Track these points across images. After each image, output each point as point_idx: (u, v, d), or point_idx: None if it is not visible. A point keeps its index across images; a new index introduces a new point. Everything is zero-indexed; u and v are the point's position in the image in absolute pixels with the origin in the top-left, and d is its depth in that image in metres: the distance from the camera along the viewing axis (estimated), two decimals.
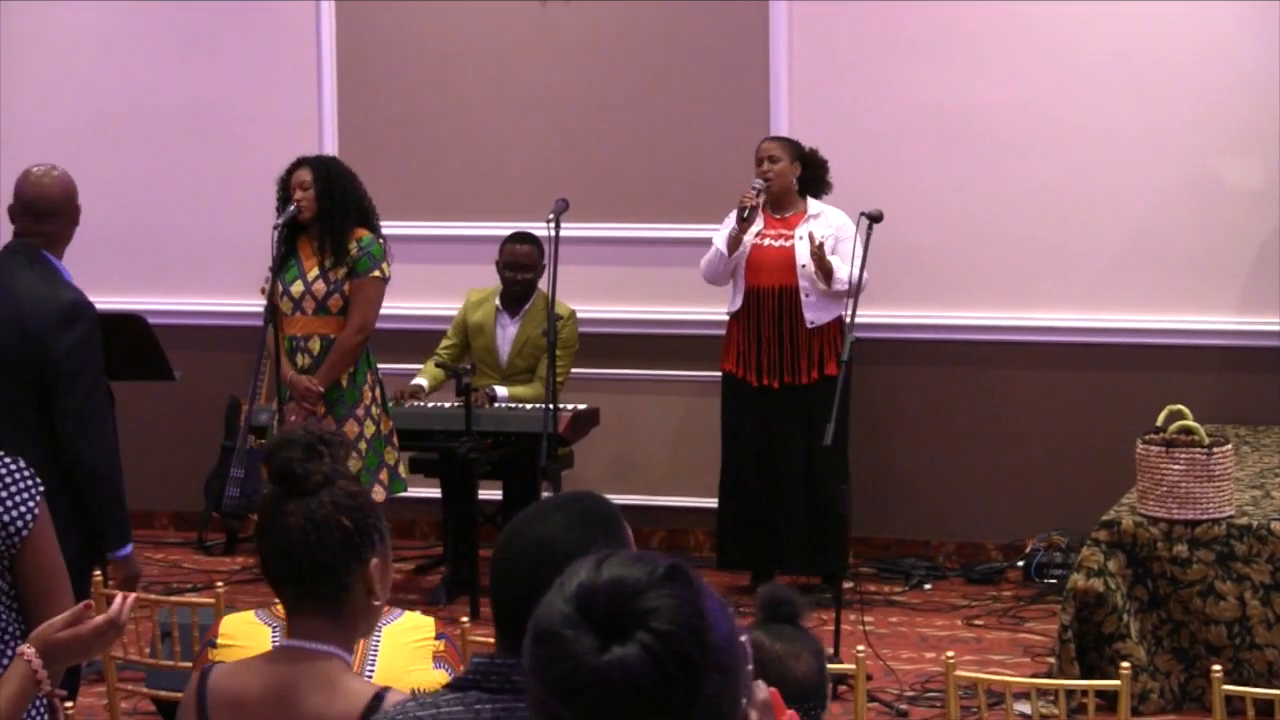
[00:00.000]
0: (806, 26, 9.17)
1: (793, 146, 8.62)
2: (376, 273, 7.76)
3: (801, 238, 8.41)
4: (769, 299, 8.45)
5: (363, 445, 7.74)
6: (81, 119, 9.99)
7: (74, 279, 6.02)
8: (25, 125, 10.01)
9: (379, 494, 7.63)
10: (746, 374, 8.50)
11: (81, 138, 9.86)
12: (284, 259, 7.79)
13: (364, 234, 7.77)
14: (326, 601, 3.14)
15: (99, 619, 3.40)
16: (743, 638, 2.10)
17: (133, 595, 3.45)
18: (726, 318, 8.63)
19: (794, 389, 8.43)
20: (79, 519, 5.79)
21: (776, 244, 8.47)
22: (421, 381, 8.82)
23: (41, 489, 3.90)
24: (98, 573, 5.84)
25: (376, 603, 3.19)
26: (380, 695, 3.09)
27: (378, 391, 7.88)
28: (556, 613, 2.00)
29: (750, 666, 2.09)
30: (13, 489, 3.86)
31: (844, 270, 8.30)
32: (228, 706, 3.16)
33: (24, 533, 3.85)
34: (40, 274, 5.88)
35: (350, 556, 3.14)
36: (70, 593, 3.91)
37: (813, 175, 8.60)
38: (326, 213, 7.70)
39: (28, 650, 3.42)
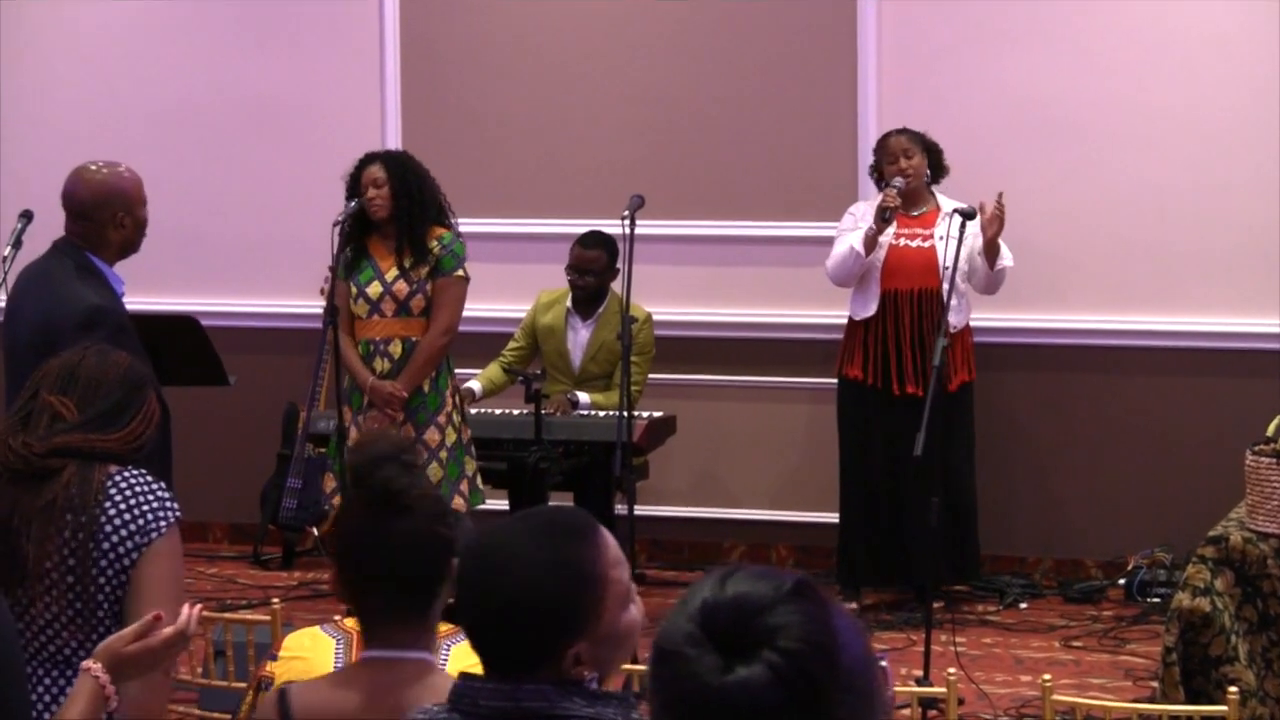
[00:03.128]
0: (896, 16, 9.02)
1: (922, 139, 8.45)
2: (460, 272, 7.63)
3: (941, 237, 8.23)
4: (908, 303, 8.30)
5: (444, 454, 7.58)
6: (138, 114, 9.92)
7: (124, 278, 5.98)
8: (82, 120, 9.93)
9: (459, 505, 7.45)
10: (877, 381, 8.30)
11: (138, 133, 9.78)
12: (355, 259, 7.64)
13: (443, 232, 7.62)
14: (418, 612, 3.32)
15: (168, 630, 3.41)
16: (882, 662, 2.05)
17: (199, 606, 3.47)
18: (845, 322, 8.47)
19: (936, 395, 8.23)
20: None
21: (914, 244, 8.34)
22: (473, 386, 8.60)
23: (179, 514, 3.98)
24: None
25: (451, 601, 3.21)
26: None
27: (457, 398, 7.74)
28: (679, 631, 1.98)
29: (891, 692, 2.04)
30: (150, 500, 3.94)
31: (1006, 255, 8.28)
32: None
33: (152, 535, 3.90)
34: (82, 276, 5.92)
35: (445, 566, 3.29)
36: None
37: (935, 164, 8.49)
38: (405, 211, 7.54)
39: (94, 666, 3.32)
